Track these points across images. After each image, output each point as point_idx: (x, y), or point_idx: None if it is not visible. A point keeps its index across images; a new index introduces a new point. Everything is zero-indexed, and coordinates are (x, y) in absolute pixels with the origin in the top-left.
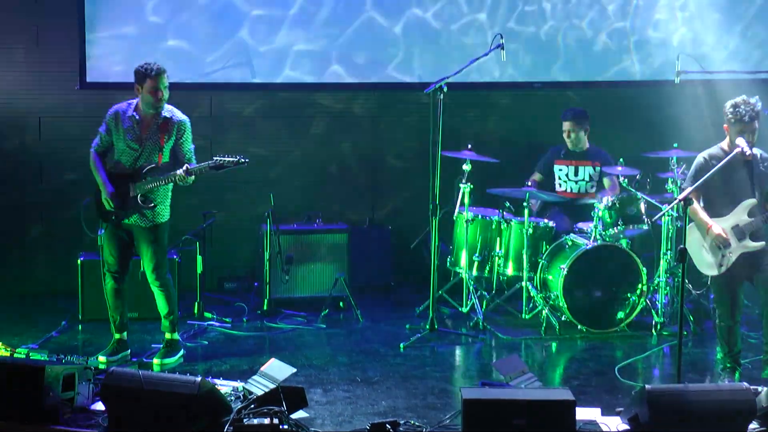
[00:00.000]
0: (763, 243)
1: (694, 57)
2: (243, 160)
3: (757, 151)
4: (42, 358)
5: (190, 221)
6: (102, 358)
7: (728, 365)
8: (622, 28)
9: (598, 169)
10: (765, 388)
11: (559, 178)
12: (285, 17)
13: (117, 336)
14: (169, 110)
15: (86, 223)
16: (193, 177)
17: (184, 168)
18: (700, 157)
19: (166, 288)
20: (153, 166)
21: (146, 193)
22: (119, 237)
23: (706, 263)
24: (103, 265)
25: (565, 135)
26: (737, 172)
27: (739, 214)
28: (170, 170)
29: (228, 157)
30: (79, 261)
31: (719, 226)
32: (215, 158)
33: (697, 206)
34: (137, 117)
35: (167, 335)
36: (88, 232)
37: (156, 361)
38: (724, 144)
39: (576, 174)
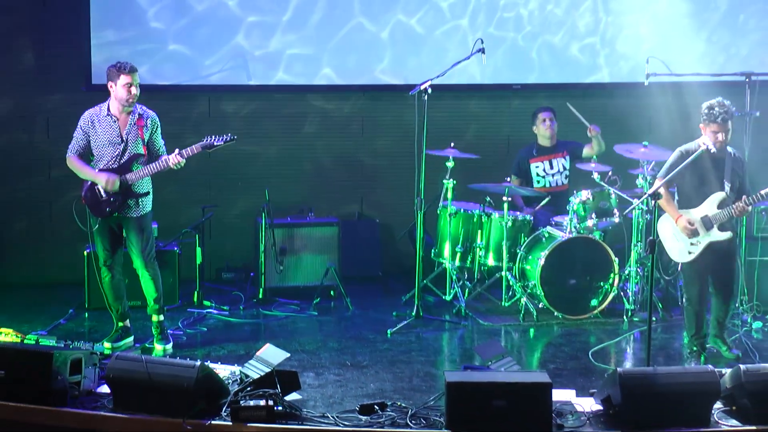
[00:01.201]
0: (729, 233)
1: (662, 61)
2: (232, 138)
3: (731, 149)
4: (50, 344)
5: (189, 215)
6: (107, 344)
7: (695, 349)
8: (594, 42)
9: (568, 158)
10: (729, 371)
11: (537, 175)
12: (279, 23)
13: (120, 324)
14: (139, 107)
15: (79, 219)
16: (184, 160)
17: (176, 151)
18: (677, 151)
19: (156, 273)
20: (141, 157)
21: (137, 182)
22: (110, 230)
23: (677, 250)
24: (97, 259)
25: (544, 126)
26: (709, 167)
27: (709, 206)
28: (148, 163)
29: (216, 136)
30: (84, 252)
31: (685, 218)
32: (206, 138)
33: (667, 198)
34: (113, 117)
35: (156, 318)
36: (82, 227)
37: (159, 347)
38: (700, 140)
39: (551, 167)
